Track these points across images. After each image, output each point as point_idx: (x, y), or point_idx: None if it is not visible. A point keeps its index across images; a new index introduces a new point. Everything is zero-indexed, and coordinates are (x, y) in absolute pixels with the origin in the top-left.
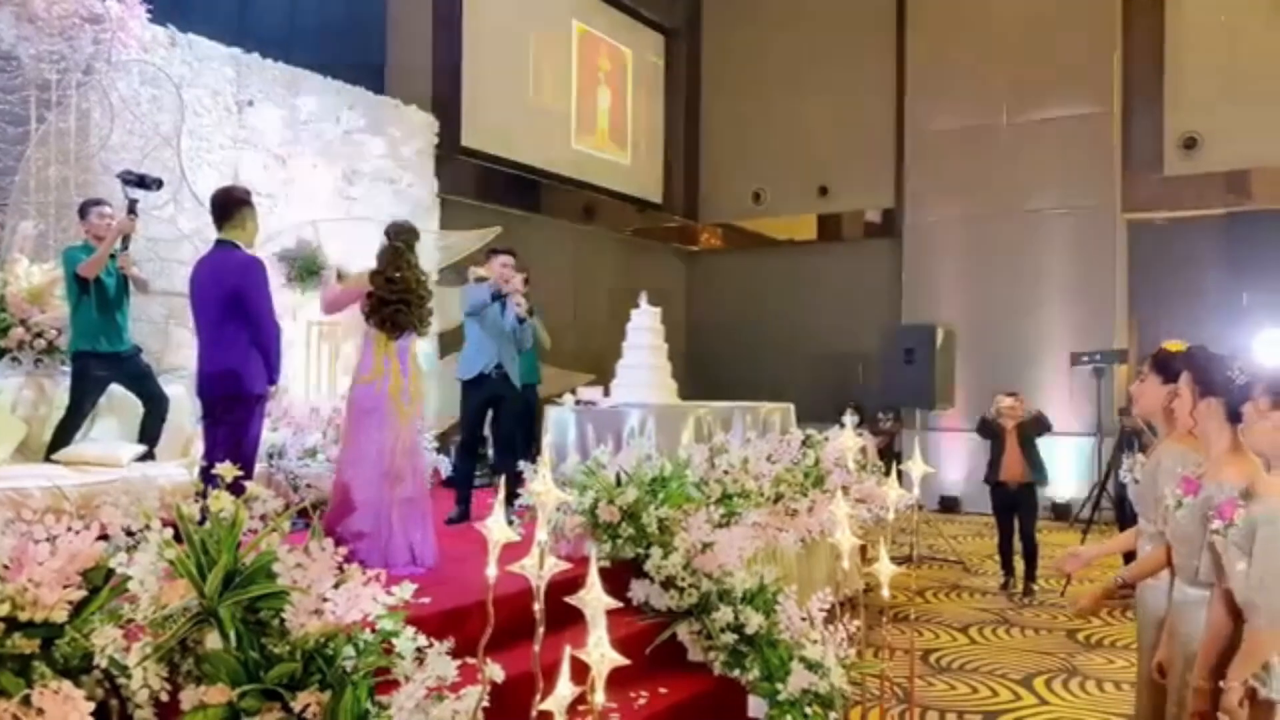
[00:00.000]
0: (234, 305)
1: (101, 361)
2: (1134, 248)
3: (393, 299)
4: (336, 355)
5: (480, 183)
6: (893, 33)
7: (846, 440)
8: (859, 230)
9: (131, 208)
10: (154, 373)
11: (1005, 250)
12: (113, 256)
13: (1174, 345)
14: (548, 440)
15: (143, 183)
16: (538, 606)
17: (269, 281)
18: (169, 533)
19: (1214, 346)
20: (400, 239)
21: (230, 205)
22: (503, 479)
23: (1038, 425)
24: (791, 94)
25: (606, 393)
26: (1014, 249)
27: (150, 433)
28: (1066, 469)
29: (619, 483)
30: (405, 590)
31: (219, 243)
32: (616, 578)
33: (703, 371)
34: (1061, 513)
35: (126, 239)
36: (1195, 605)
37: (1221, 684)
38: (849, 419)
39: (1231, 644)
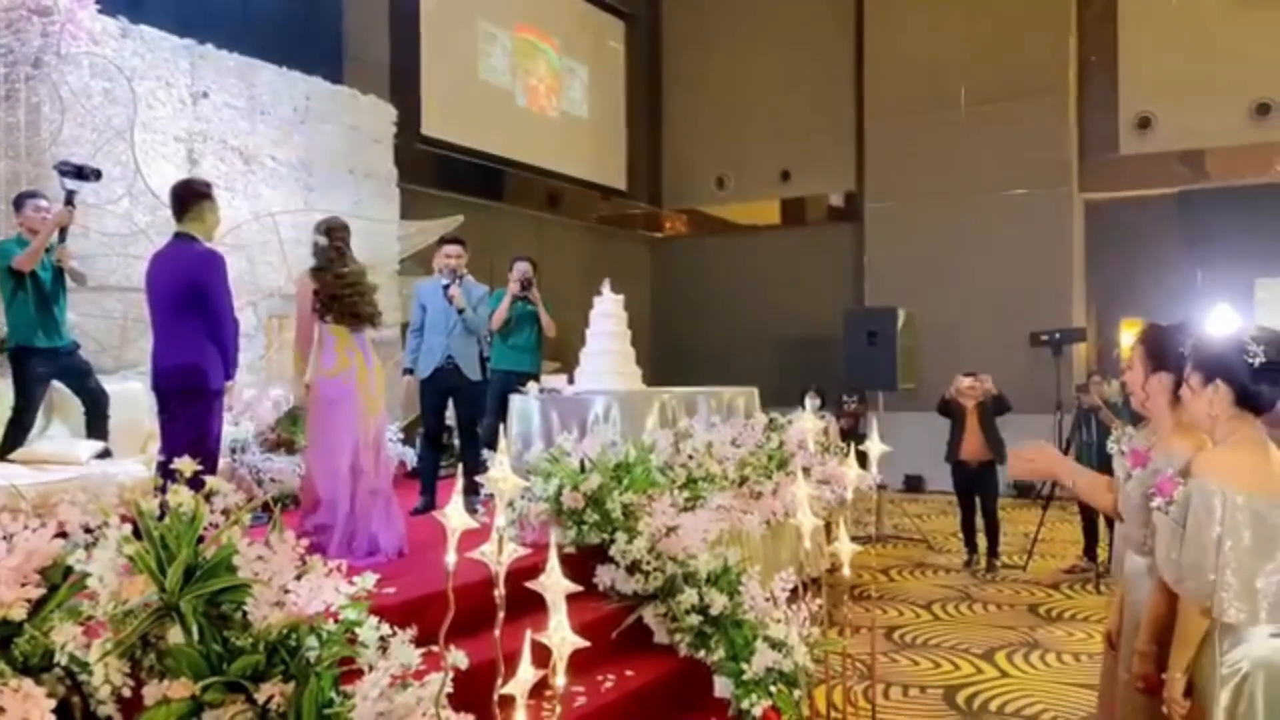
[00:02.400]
0: (193, 299)
1: (40, 357)
2: (1091, 227)
3: (346, 293)
4: None
5: (441, 172)
6: (852, 18)
7: (807, 422)
8: (822, 214)
9: (69, 199)
10: (93, 369)
11: (965, 231)
12: (49, 250)
13: (1131, 324)
14: (511, 429)
15: (80, 174)
16: (498, 592)
17: (228, 275)
18: (128, 529)
19: (1168, 323)
20: (339, 237)
21: (189, 198)
22: (459, 469)
23: (997, 404)
24: (753, 79)
25: (571, 380)
26: (973, 230)
27: (96, 431)
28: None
29: (583, 469)
30: (368, 580)
31: (177, 235)
32: (582, 564)
33: (668, 357)
34: (1023, 490)
35: (64, 231)
36: (1144, 575)
37: (1164, 675)
38: (810, 401)
39: (1173, 611)
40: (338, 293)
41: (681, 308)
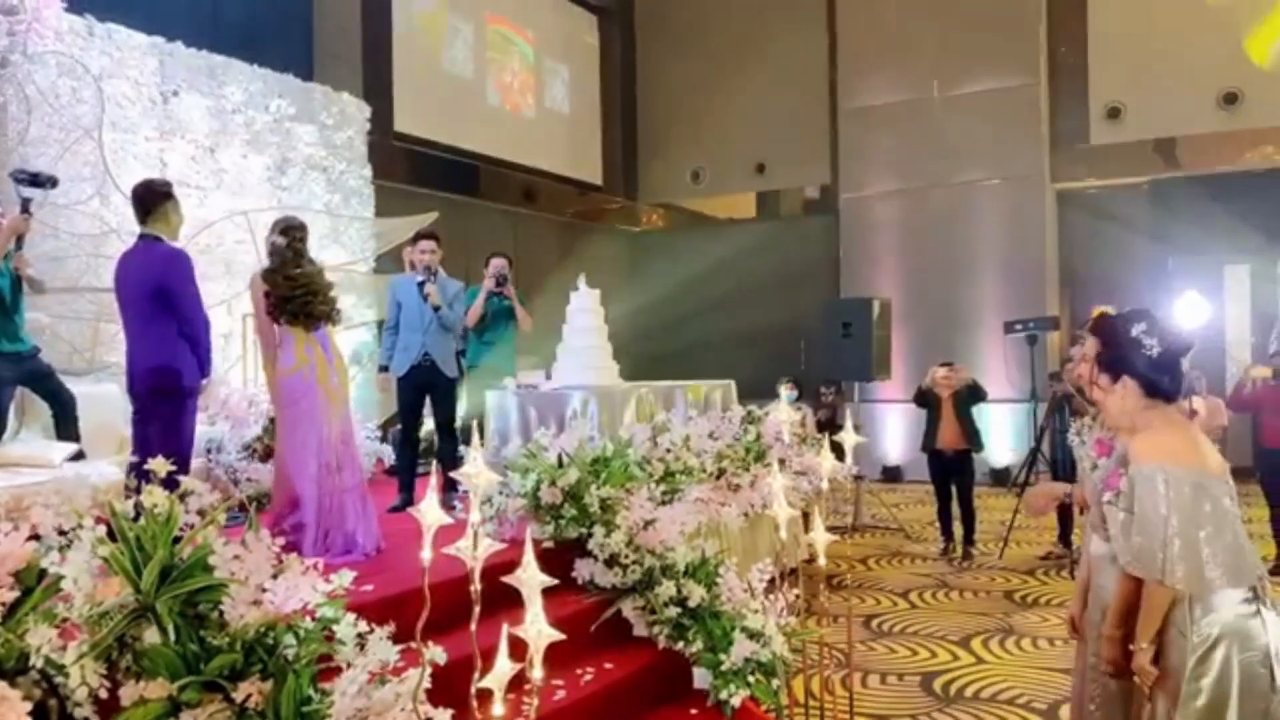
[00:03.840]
0: (161, 300)
1: (4, 361)
2: (1063, 216)
3: (298, 294)
4: None
5: (415, 168)
6: (824, 10)
7: (783, 414)
8: (797, 207)
9: (25, 206)
10: (55, 371)
11: (939, 222)
12: (6, 257)
13: (1105, 313)
14: (489, 425)
15: (36, 181)
16: (474, 587)
17: (195, 273)
18: (102, 530)
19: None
20: (296, 237)
21: (151, 199)
22: (434, 465)
23: (972, 393)
24: (727, 73)
25: (548, 375)
26: (947, 221)
27: (66, 433)
28: (1003, 435)
29: (560, 464)
30: (345, 577)
31: (143, 236)
32: (561, 558)
33: (646, 351)
34: (1000, 478)
35: (20, 238)
36: (1109, 559)
37: (1132, 646)
38: (786, 392)
39: (1139, 596)
40: (289, 294)
41: (659, 301)
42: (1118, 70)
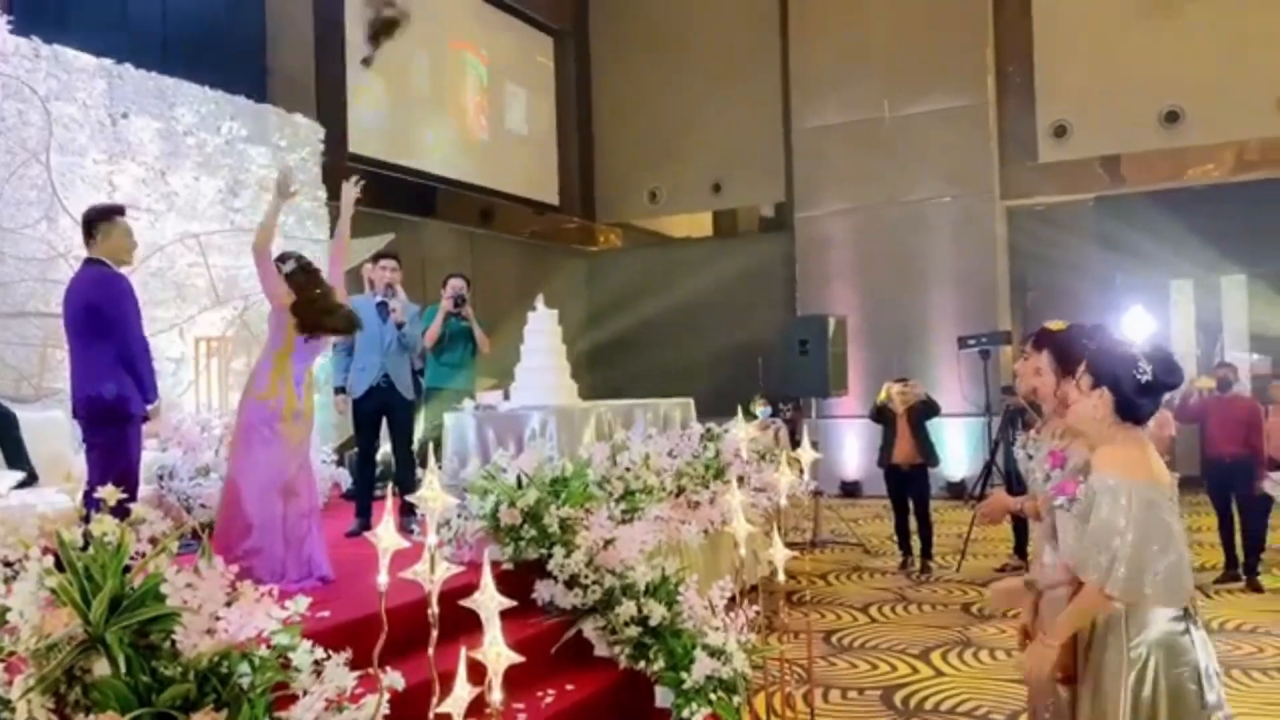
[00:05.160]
0: (94, 324)
1: None
2: (1013, 232)
3: (327, 311)
4: (226, 372)
5: (371, 190)
6: (776, 31)
7: (741, 431)
8: (753, 225)
9: None
10: None
11: (892, 239)
12: None
13: (1055, 325)
14: (447, 446)
15: None
16: (432, 611)
17: (133, 297)
18: (50, 561)
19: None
20: (305, 263)
21: (90, 222)
22: (390, 488)
23: (927, 408)
24: (681, 93)
25: (507, 396)
26: (900, 238)
27: (9, 453)
28: (959, 449)
29: (519, 485)
30: (300, 604)
31: (86, 261)
32: (521, 579)
33: (606, 370)
34: (956, 491)
35: None
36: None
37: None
38: (761, 409)
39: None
40: (322, 309)
41: (618, 321)
42: (1064, 89)
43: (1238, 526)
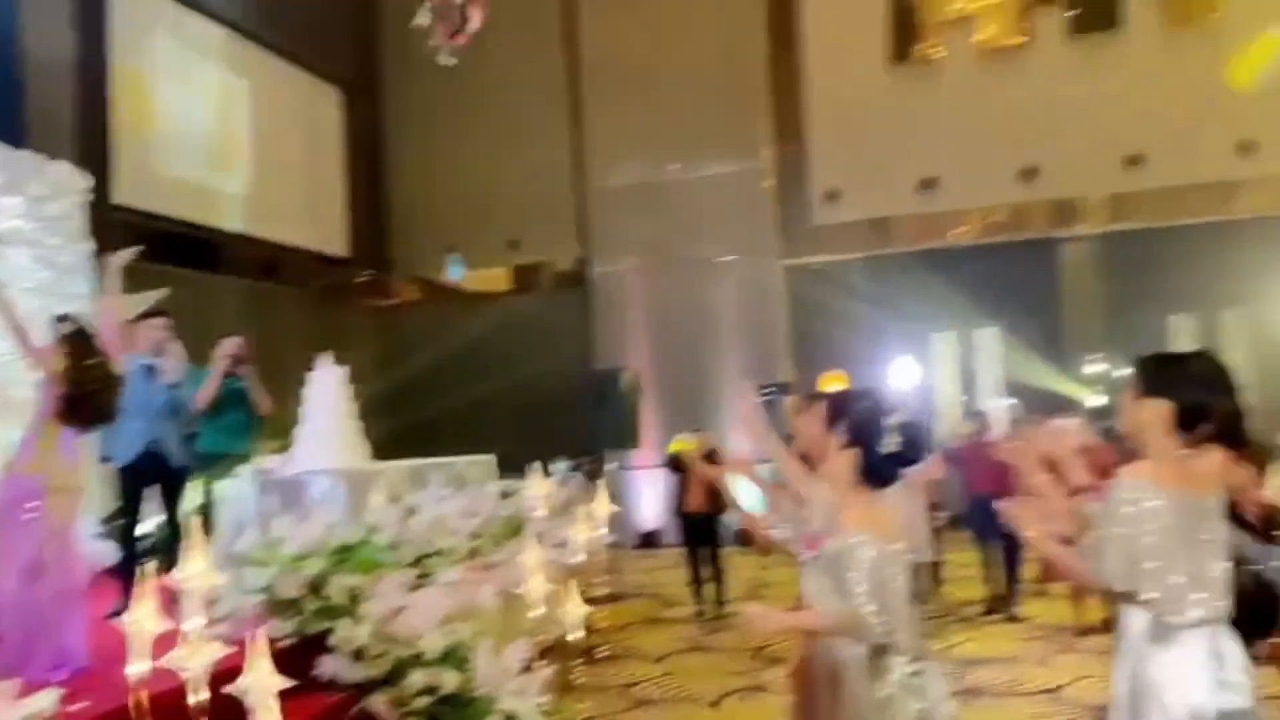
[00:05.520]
0: None
1: None
2: (793, 289)
3: (94, 389)
4: None
5: (142, 243)
6: (566, 87)
7: (537, 488)
8: (551, 281)
9: None
10: None
11: (683, 296)
12: None
13: (835, 377)
14: (222, 516)
15: None
16: (192, 700)
17: None
18: None
19: (862, 374)
20: (77, 325)
21: None
22: (150, 566)
23: (718, 458)
24: (478, 147)
25: (290, 460)
26: (690, 294)
27: None
28: (750, 496)
29: (301, 555)
30: (48, 697)
31: None
32: (303, 654)
33: (402, 430)
34: (748, 538)
35: None
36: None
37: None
38: (563, 465)
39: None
40: (86, 390)
41: (415, 378)
42: (835, 158)
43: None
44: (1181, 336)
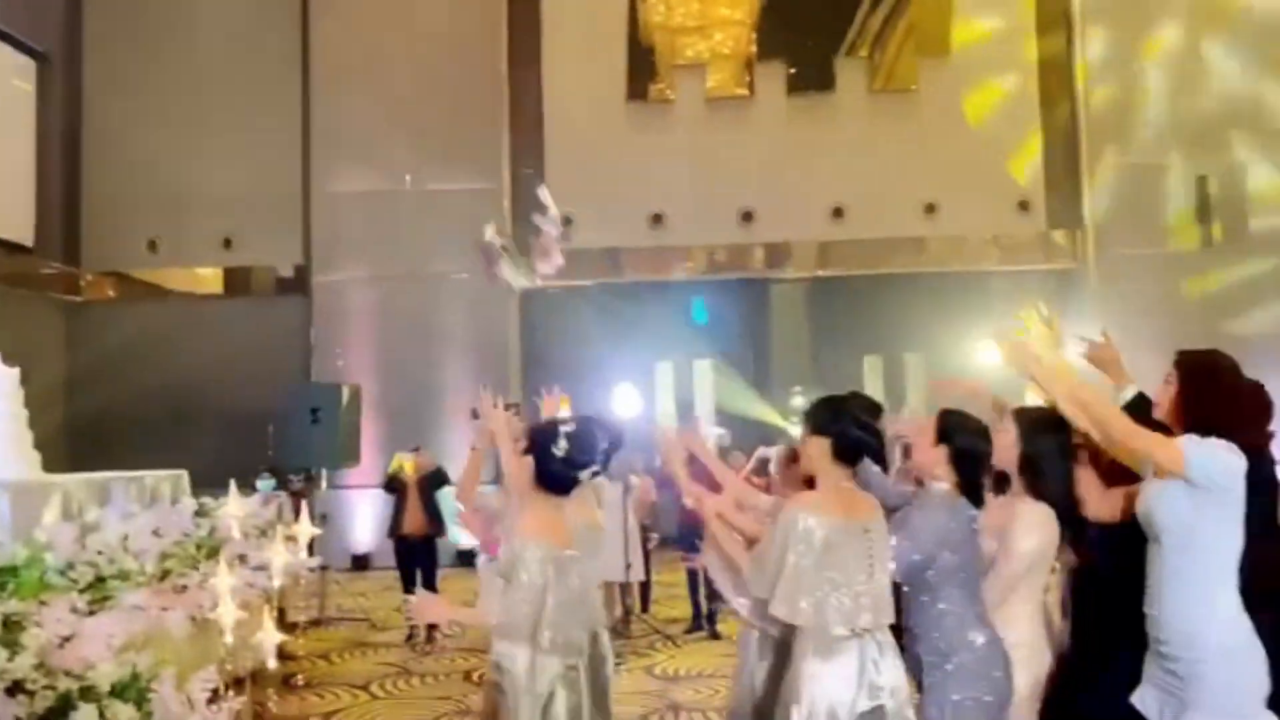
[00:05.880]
0: None
1: None
2: (525, 311)
3: None
4: None
5: None
6: (298, 90)
7: (236, 506)
8: (270, 286)
9: None
10: None
11: (411, 311)
12: None
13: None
14: None
15: None
16: None
17: None
18: None
19: (589, 401)
20: None
21: None
22: None
23: (438, 479)
24: (189, 135)
25: None
26: (419, 310)
27: None
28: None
29: None
30: None
31: None
32: None
33: (89, 438)
34: (466, 559)
35: None
36: None
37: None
38: (264, 482)
39: None
40: None
41: (107, 381)
42: (570, 184)
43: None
44: (873, 375)
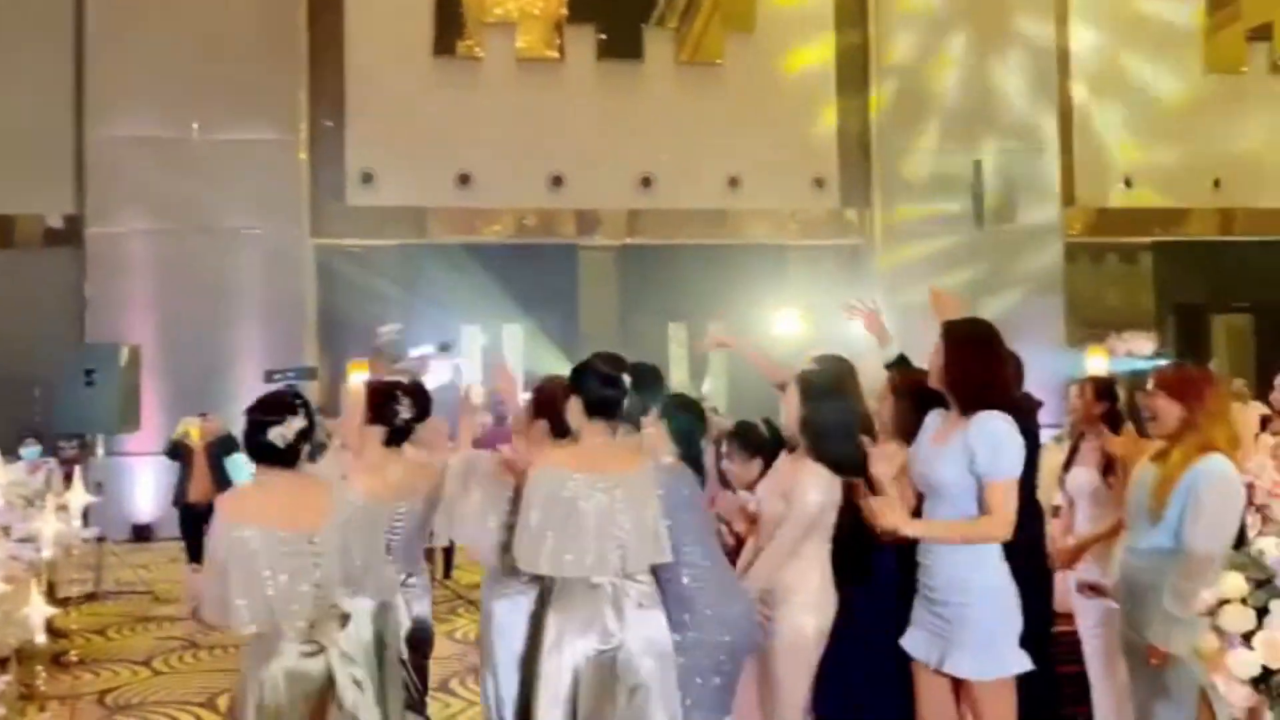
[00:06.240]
0: None
1: None
2: (323, 271)
3: None
4: None
5: None
6: (70, 18)
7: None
8: (37, 237)
9: None
10: None
11: (197, 267)
12: None
13: (361, 365)
14: None
15: None
16: None
17: None
18: None
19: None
20: None
21: None
22: None
23: (227, 444)
24: None
25: None
26: (206, 266)
27: None
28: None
29: None
30: None
31: None
32: None
33: None
34: None
35: None
36: None
37: None
38: (29, 449)
39: None
40: None
41: None
42: (372, 140)
43: None
44: (678, 341)
